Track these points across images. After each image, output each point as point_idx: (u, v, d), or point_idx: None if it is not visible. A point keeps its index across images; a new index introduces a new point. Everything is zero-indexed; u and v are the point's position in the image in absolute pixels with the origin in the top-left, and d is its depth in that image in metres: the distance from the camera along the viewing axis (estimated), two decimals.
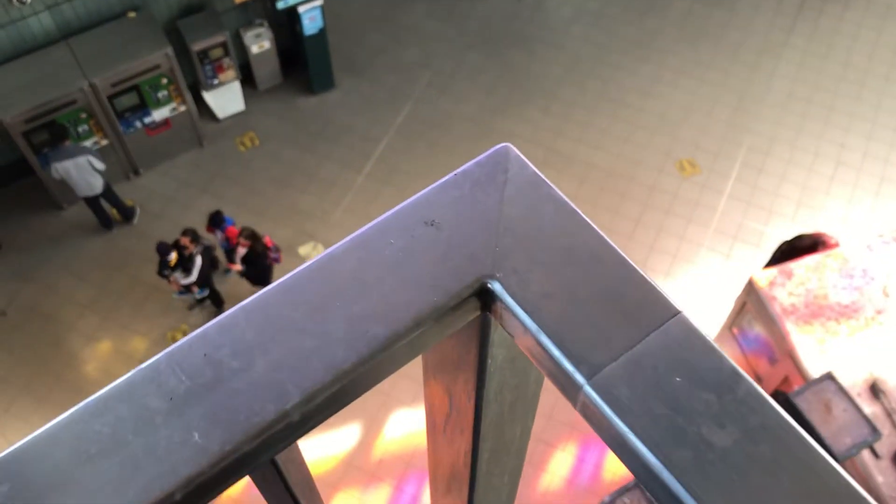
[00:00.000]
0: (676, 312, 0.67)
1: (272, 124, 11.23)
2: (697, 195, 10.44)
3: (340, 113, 11.30)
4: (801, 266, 6.95)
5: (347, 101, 11.42)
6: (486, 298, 0.74)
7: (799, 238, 7.91)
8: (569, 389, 0.68)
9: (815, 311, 6.73)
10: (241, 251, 8.77)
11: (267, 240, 8.94)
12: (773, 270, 6.95)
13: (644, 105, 11.33)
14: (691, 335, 0.67)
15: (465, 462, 1.03)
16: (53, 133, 9.42)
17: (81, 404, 0.66)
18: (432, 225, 0.75)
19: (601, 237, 0.73)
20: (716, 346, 0.68)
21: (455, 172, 0.78)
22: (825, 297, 6.78)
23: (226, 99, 11.09)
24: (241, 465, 0.66)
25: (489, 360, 0.83)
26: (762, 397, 0.66)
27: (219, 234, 9.18)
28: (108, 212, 10.14)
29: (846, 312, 6.74)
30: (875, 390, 6.36)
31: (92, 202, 9.80)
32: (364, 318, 0.70)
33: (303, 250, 9.96)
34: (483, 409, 0.90)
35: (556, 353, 0.68)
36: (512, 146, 0.76)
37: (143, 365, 0.68)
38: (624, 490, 5.61)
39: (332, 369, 0.67)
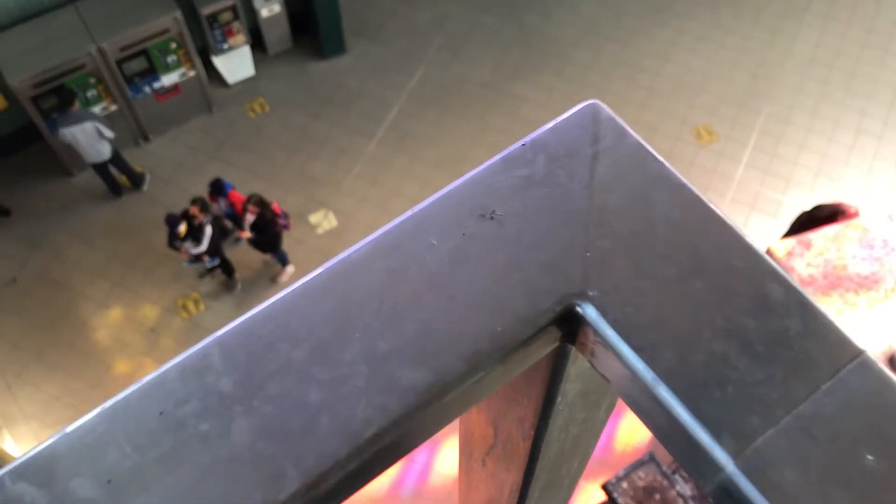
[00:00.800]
0: (859, 353, 0.43)
1: (282, 89, 11.05)
2: (714, 163, 10.23)
3: (351, 78, 11.11)
4: (820, 236, 6.78)
5: (358, 66, 11.22)
6: (570, 326, 0.49)
7: (818, 208, 7.75)
8: (702, 468, 0.44)
9: (834, 281, 6.57)
10: (250, 218, 8.64)
11: (275, 206, 8.80)
12: (792, 240, 6.79)
13: (661, 70, 11.09)
14: (883, 386, 0.43)
15: (511, 500, 0.82)
16: (62, 98, 9.28)
17: None
18: (492, 218, 0.49)
19: (743, 240, 0.48)
20: None
21: (523, 142, 0.52)
22: (844, 268, 6.62)
23: (235, 64, 10.94)
24: None
25: (559, 398, 0.58)
26: None
27: (222, 202, 9.09)
28: (118, 178, 10.05)
29: (865, 284, 6.59)
30: (894, 363, 6.23)
31: (100, 168, 9.70)
32: (395, 357, 0.46)
33: (313, 218, 9.81)
34: (542, 448, 0.66)
35: (686, 416, 0.43)
36: (602, 104, 0.50)
37: (71, 427, 0.44)
38: (638, 464, 5.50)
39: (348, 438, 0.43)
